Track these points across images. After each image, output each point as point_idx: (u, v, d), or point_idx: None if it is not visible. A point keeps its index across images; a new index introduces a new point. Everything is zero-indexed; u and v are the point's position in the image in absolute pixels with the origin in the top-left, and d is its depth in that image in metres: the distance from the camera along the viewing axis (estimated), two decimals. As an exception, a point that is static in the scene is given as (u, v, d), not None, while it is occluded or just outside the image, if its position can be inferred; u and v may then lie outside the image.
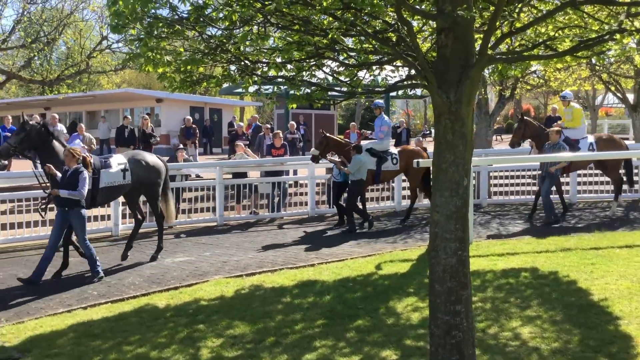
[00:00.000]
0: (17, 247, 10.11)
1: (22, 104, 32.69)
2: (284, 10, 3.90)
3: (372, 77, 5.67)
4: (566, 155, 11.08)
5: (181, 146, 15.35)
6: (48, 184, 8.29)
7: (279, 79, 4.93)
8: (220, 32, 4.62)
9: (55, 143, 8.51)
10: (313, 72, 5.32)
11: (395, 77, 5.65)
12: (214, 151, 27.67)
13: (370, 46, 4.38)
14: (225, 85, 5.30)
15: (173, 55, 4.25)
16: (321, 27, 4.13)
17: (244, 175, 13.30)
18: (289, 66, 4.94)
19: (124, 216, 11.50)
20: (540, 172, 11.92)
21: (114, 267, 8.61)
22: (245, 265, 8.60)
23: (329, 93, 5.36)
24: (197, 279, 7.82)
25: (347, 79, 5.21)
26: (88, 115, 31.75)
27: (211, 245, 10.15)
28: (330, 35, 3.93)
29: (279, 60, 4.54)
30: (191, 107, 29.16)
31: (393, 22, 4.25)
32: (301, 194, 14.21)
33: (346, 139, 13.49)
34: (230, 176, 13.37)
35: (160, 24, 3.99)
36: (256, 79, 4.82)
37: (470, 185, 4.13)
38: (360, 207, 11.74)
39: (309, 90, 5.24)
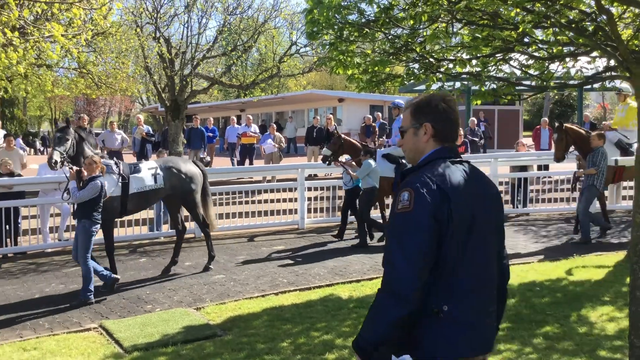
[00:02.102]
0: (219, 235, 11.22)
1: (221, 107, 36.12)
2: (472, 6, 3.86)
3: (564, 70, 5.34)
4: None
5: (362, 144, 15.76)
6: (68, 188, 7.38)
7: (464, 75, 4.87)
8: (405, 31, 4.70)
9: (85, 148, 7.93)
10: (499, 67, 5.17)
11: (591, 69, 5.26)
12: (393, 149, 27.93)
13: (565, 37, 4.14)
14: (407, 83, 5.38)
15: (361, 56, 4.43)
16: (510, 21, 4.01)
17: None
18: (474, 62, 4.86)
19: (309, 210, 12.18)
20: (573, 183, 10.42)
21: (301, 258, 9.17)
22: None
23: (516, 88, 5.16)
24: (378, 274, 8.01)
25: (537, 73, 4.97)
26: (277, 115, 34.02)
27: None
28: (520, 29, 3.80)
29: (464, 56, 4.49)
30: (371, 106, 29.79)
31: (590, 11, 3.98)
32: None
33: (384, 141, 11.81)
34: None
35: (350, 28, 4.19)
36: (440, 76, 4.82)
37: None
38: (377, 219, 10.66)
39: (494, 86, 5.11)
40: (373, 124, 17.06)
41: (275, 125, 17.17)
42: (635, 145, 10.64)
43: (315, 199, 12.70)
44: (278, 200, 12.46)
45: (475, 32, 4.30)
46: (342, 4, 3.77)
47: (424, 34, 4.71)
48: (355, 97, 28.48)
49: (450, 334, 2.20)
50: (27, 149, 30.94)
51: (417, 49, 4.58)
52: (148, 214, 11.38)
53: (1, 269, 8.85)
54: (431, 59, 4.60)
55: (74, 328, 6.16)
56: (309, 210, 12.21)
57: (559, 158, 10.16)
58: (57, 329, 6.14)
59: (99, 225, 7.28)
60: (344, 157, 10.90)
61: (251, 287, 7.57)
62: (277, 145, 16.10)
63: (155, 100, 36.71)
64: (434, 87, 5.26)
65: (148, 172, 8.19)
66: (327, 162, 10.67)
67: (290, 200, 12.46)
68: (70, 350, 5.42)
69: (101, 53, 11.42)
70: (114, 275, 7.48)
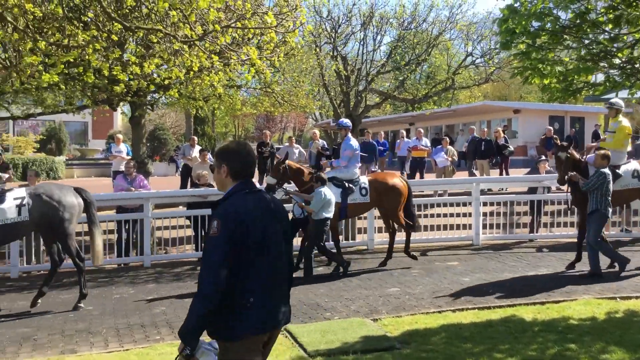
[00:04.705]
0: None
1: (391, 121, 36.46)
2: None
3: None
4: None
5: (542, 157, 14.89)
6: None
7: (675, 82, 4.38)
8: (604, 36, 4.37)
9: None
10: None
11: None
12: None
13: None
14: (606, 90, 4.98)
15: (557, 64, 4.19)
16: None
17: (614, 188, 12.14)
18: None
19: (484, 226, 11.77)
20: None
21: (477, 275, 8.86)
22: (619, 287, 7.85)
23: None
24: (564, 296, 7.49)
25: None
26: (447, 128, 33.46)
27: (577, 263, 9.54)
28: None
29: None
30: (550, 117, 28.06)
31: None
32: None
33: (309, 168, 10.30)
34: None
35: (546, 35, 3.99)
36: (646, 83, 4.39)
37: None
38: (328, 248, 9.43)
39: None
40: (555, 136, 16.01)
41: (448, 139, 16.90)
42: (623, 167, 9.28)
43: (491, 214, 12.23)
44: (451, 215, 12.21)
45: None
46: (538, 11, 3.61)
47: (624, 38, 4.33)
48: (533, 107, 27.06)
49: (253, 318, 3.08)
50: (215, 162, 33.89)
51: (619, 55, 4.22)
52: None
53: (197, 270, 9.77)
54: (638, 65, 4.21)
55: (261, 330, 6.58)
56: (483, 226, 11.79)
57: (564, 180, 8.96)
58: (247, 330, 6.61)
59: None
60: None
61: (427, 302, 7.49)
62: (449, 159, 15.84)
63: (327, 115, 38.18)
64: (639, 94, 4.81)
65: (12, 203, 7.49)
66: (272, 192, 9.01)
67: (464, 215, 12.15)
68: (260, 350, 5.79)
69: (284, 73, 12.18)
70: None
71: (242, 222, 3.05)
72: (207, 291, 3.01)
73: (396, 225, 10.07)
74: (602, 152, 8.68)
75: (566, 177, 8.87)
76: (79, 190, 8.12)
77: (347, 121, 10.36)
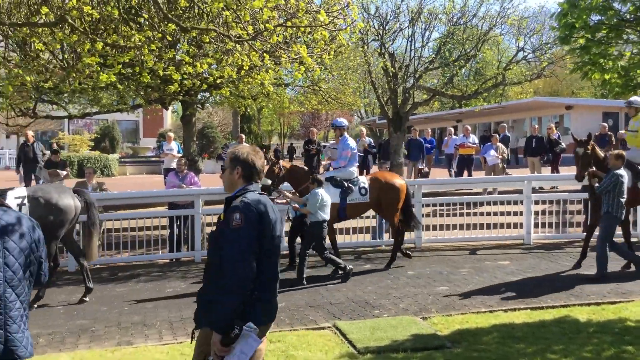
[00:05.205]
0: (439, 247, 11.18)
1: (438, 118, 36.03)
2: None
3: None
4: None
5: (596, 155, 14.44)
6: None
7: None
8: (667, 29, 4.21)
9: None
10: None
11: None
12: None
13: None
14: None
15: (619, 58, 4.07)
16: None
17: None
18: None
19: (535, 225, 11.52)
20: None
21: (529, 275, 8.70)
22: (680, 290, 7.57)
23: None
24: (620, 298, 7.29)
25: None
26: (495, 125, 32.84)
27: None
28: None
29: None
30: (604, 113, 27.20)
31: None
32: None
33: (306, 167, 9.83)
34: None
35: (605, 29, 3.88)
36: None
37: None
38: (328, 252, 8.85)
39: None
40: (609, 133, 15.54)
41: (497, 136, 16.61)
42: None
43: (543, 212, 11.95)
44: (501, 213, 11.99)
45: None
46: (599, 4, 3.52)
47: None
48: (586, 103, 26.29)
49: (259, 311, 3.26)
50: (262, 160, 34.31)
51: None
52: (371, 222, 11.80)
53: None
54: None
55: (310, 325, 6.64)
56: (535, 225, 11.54)
57: (582, 177, 8.75)
58: (296, 325, 6.67)
59: None
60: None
61: (477, 301, 7.39)
62: (499, 157, 15.54)
63: (373, 113, 38.00)
64: None
65: (13, 202, 7.56)
66: (268, 194, 8.66)
67: (515, 213, 11.92)
68: (310, 346, 5.85)
69: (331, 70, 12.21)
70: None
71: (261, 217, 3.25)
72: (235, 284, 3.13)
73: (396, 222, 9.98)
74: (617, 152, 8.46)
75: (585, 173, 8.65)
76: (78, 192, 8.30)
77: (342, 120, 10.11)
